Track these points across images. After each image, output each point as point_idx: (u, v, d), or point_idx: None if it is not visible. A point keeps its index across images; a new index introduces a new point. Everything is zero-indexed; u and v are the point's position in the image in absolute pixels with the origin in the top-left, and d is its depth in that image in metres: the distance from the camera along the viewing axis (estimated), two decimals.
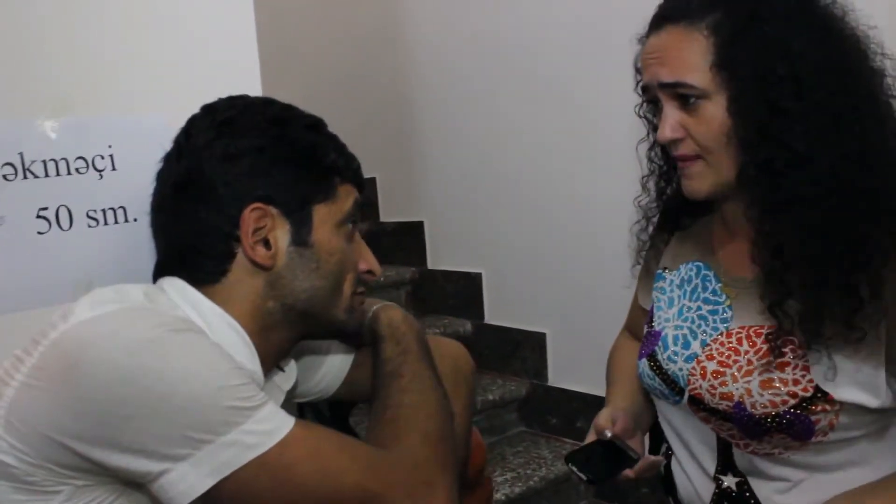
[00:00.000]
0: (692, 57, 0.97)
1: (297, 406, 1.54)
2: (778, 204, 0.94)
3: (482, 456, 1.17)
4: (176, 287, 0.91)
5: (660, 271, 1.21)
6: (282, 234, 0.92)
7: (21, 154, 1.05)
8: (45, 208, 1.07)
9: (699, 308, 1.11)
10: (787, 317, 0.96)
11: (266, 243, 0.91)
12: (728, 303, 1.08)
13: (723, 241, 1.12)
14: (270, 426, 0.80)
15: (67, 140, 1.09)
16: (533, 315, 2.75)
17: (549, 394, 2.70)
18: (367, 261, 1.00)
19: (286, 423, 0.81)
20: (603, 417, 1.13)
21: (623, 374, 1.27)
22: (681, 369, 1.08)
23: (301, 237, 0.92)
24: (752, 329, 1.03)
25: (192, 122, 0.94)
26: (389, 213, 3.32)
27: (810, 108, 0.92)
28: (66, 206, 1.08)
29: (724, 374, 1.02)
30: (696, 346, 1.08)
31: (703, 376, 1.04)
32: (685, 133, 0.99)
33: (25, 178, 1.05)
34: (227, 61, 1.25)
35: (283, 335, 0.96)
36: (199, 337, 0.82)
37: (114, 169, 1.13)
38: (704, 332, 1.08)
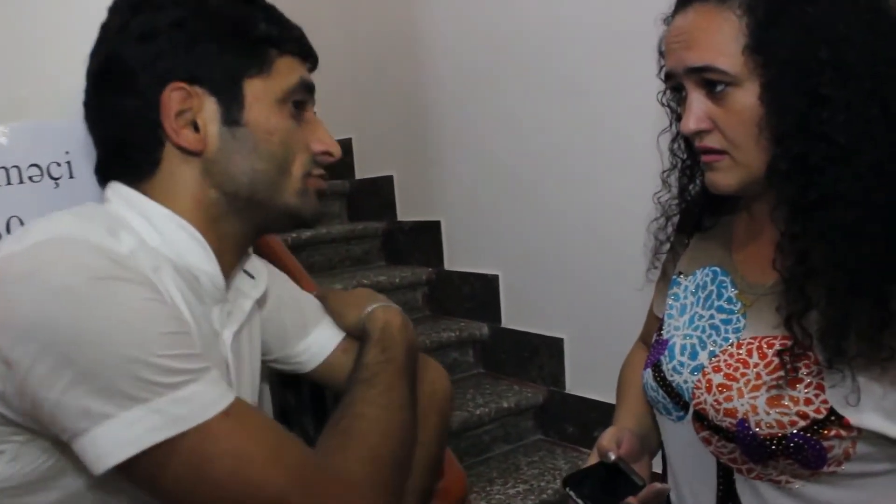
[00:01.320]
0: (723, 39, 0.87)
1: (279, 381, 1.49)
2: (811, 202, 0.85)
3: (461, 488, 1.09)
4: (120, 194, 0.85)
5: (675, 277, 1.12)
6: (210, 115, 0.85)
7: None
8: None
9: (712, 317, 1.01)
10: (804, 332, 0.87)
11: (194, 126, 0.84)
12: (742, 311, 0.98)
13: (743, 243, 1.03)
14: (188, 409, 0.71)
15: (20, 146, 1.02)
16: (551, 319, 2.65)
17: (566, 401, 2.60)
18: (323, 140, 0.92)
19: (216, 404, 0.72)
20: (607, 438, 1.04)
21: (632, 390, 1.18)
22: (686, 381, 0.99)
23: (232, 116, 0.85)
24: (765, 340, 0.93)
25: (112, 4, 0.87)
26: (407, 212, 3.25)
27: (855, 97, 0.83)
28: (18, 217, 1.02)
29: (730, 387, 0.93)
30: (703, 356, 0.99)
31: (709, 389, 0.95)
32: (712, 124, 0.90)
33: None
34: None
35: (235, 227, 0.89)
36: (126, 288, 0.72)
37: (71, 177, 1.06)
38: (714, 342, 0.99)
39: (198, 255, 0.85)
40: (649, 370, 1.05)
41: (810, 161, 0.84)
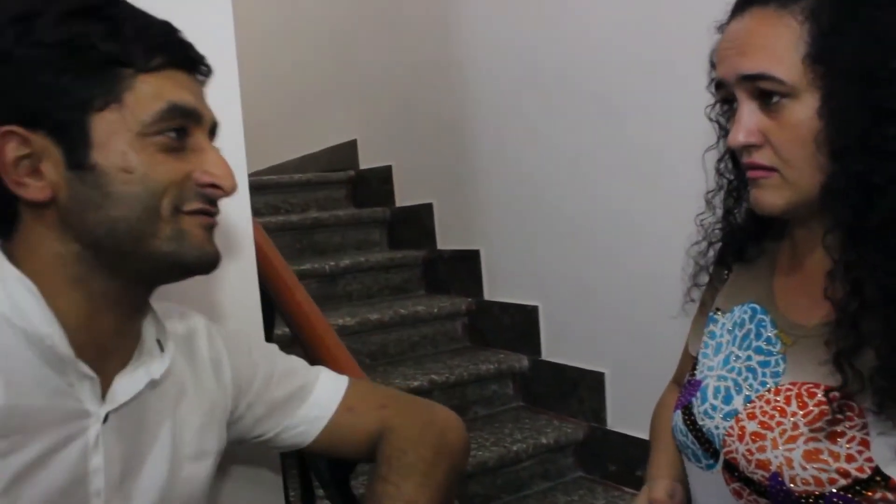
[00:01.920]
0: (781, 46, 0.81)
1: (299, 461, 1.43)
2: (870, 227, 0.78)
3: None
4: None
5: (712, 313, 1.04)
6: (52, 159, 0.74)
7: None
8: None
9: (749, 358, 0.93)
10: (855, 372, 0.79)
11: (40, 174, 0.74)
12: (782, 351, 0.90)
13: (787, 276, 0.96)
14: None
15: None
16: (591, 353, 2.57)
17: (607, 438, 2.51)
18: (209, 171, 0.79)
19: None
20: (661, 489, 0.99)
21: (666, 435, 1.10)
22: (717, 427, 0.91)
23: (77, 158, 0.74)
24: (806, 387, 0.86)
25: None
26: (446, 240, 3.20)
27: None
28: None
29: (764, 437, 0.85)
30: (738, 401, 0.91)
31: (741, 438, 0.87)
32: (763, 139, 0.84)
33: None
34: None
35: (109, 284, 0.78)
36: None
37: None
38: (750, 386, 0.91)
39: (37, 317, 0.74)
40: (679, 412, 0.98)
41: (872, 181, 0.78)
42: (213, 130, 0.85)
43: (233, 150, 1.13)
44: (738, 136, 0.84)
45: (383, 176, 3.49)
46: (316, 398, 1.03)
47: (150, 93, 0.76)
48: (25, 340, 0.74)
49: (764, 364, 0.91)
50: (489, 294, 2.99)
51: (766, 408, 0.87)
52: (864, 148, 0.78)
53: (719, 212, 1.03)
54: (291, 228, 3.26)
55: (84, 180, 0.74)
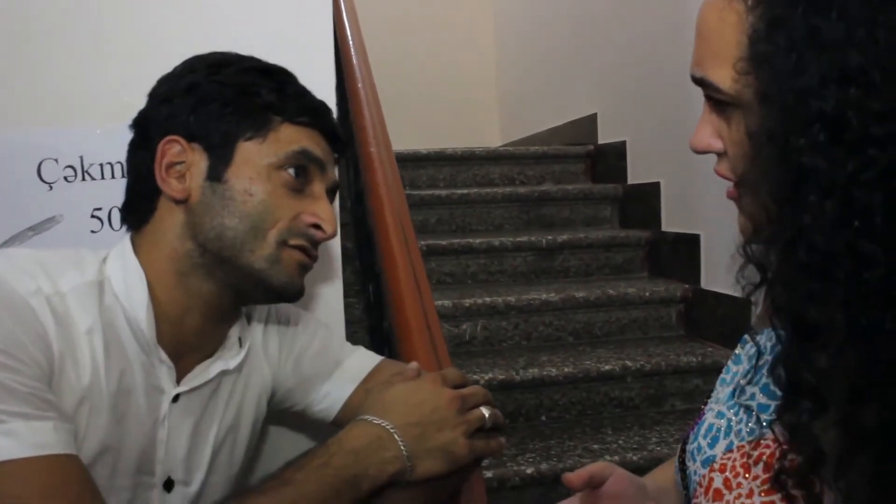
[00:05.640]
0: (722, 42, 0.66)
1: None
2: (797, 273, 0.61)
3: None
4: (117, 249, 0.92)
5: (746, 335, 0.87)
6: (198, 169, 0.90)
7: (81, 157, 1.13)
8: (100, 209, 1.15)
9: (752, 397, 0.77)
10: (808, 442, 0.63)
11: (183, 178, 0.91)
12: None
13: None
14: None
15: (123, 145, 1.15)
16: None
17: None
18: (317, 214, 0.93)
19: (15, 452, 0.71)
20: (599, 466, 0.89)
21: None
22: (695, 473, 0.78)
23: (217, 172, 0.90)
24: (786, 445, 0.69)
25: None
26: (671, 222, 3.03)
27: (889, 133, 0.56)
28: (118, 207, 1.15)
29: (721, 497, 0.72)
30: (720, 447, 0.76)
31: (706, 493, 0.74)
32: (723, 146, 0.71)
33: (84, 179, 1.14)
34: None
35: (204, 285, 0.91)
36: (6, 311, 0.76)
37: None
38: (739, 431, 0.75)
39: (139, 301, 0.88)
40: (680, 444, 0.86)
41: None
42: (333, 190, 0.99)
43: None
44: (693, 139, 0.72)
45: (618, 151, 3.38)
46: (338, 377, 1.08)
47: (290, 137, 0.92)
48: (125, 318, 0.88)
49: (762, 408, 0.75)
50: (706, 282, 2.79)
51: (738, 462, 0.73)
52: (800, 176, 0.59)
53: None
54: (518, 200, 3.30)
55: (215, 190, 0.90)
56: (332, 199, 0.99)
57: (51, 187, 1.15)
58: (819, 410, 0.62)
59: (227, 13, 1.21)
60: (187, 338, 0.93)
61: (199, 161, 0.91)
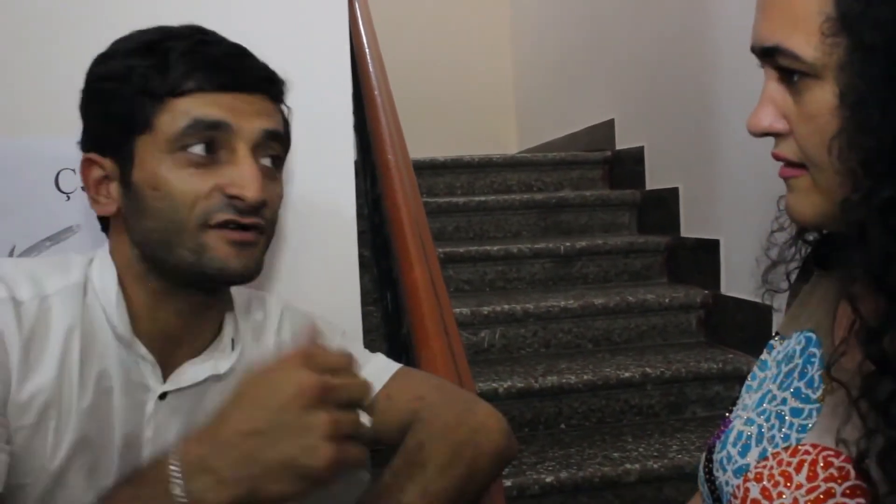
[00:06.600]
0: (801, 7, 0.63)
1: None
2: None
3: None
4: (101, 250, 0.91)
5: (772, 339, 0.87)
6: (117, 179, 0.87)
7: None
8: None
9: (783, 402, 0.75)
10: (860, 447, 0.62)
11: (108, 192, 0.88)
12: (820, 398, 0.72)
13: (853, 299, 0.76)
14: None
15: None
16: None
17: None
18: (235, 182, 0.83)
19: None
20: None
21: None
22: (727, 483, 0.76)
23: (126, 177, 0.85)
24: (824, 453, 0.68)
25: None
26: (690, 227, 3.00)
27: None
28: None
29: None
30: (753, 454, 0.74)
31: (743, 503, 0.72)
32: (787, 126, 0.67)
33: None
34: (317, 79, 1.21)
35: (157, 282, 0.88)
36: None
37: None
38: (773, 438, 0.73)
39: (112, 299, 0.87)
40: (704, 454, 0.84)
41: None
42: (271, 139, 0.87)
43: (340, 145, 1.20)
44: (752, 121, 0.69)
45: (636, 157, 3.36)
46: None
47: (179, 112, 0.82)
48: (105, 315, 0.87)
49: (796, 413, 0.73)
50: (726, 288, 2.76)
51: (776, 470, 0.70)
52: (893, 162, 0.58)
53: None
54: (535, 207, 3.29)
55: (129, 196, 0.86)
56: (277, 150, 0.89)
57: (68, 197, 1.15)
58: None
59: (243, 23, 1.20)
60: (167, 331, 0.90)
61: (113, 171, 0.86)
